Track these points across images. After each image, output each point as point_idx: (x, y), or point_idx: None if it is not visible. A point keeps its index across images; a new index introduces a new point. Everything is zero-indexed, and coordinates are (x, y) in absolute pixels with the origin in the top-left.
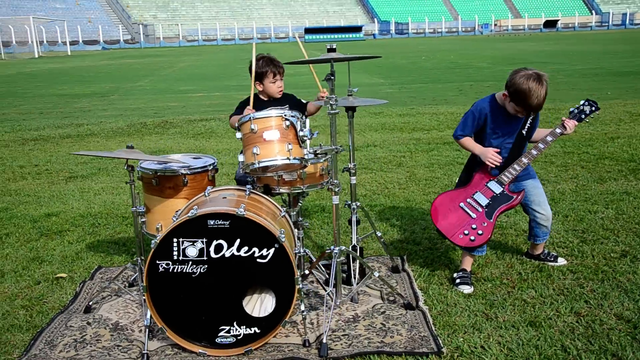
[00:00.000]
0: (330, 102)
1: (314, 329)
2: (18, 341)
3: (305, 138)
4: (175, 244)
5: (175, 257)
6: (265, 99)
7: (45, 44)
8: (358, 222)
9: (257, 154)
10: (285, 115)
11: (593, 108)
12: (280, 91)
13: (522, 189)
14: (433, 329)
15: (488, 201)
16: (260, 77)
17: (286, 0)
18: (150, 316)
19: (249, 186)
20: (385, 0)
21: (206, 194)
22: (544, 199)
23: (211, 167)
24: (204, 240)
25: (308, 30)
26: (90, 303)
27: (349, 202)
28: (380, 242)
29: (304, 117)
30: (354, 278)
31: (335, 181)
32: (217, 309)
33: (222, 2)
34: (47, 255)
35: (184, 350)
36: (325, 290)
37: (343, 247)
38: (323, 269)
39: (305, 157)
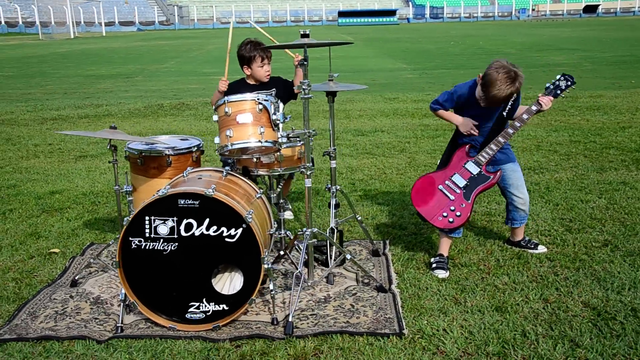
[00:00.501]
0: (304, 87)
1: (284, 308)
2: (3, 312)
3: (277, 122)
4: (147, 222)
5: (147, 235)
6: (252, 83)
7: (83, 24)
8: (337, 206)
9: (230, 137)
10: (258, 99)
11: (569, 83)
12: (268, 75)
13: (499, 169)
14: (400, 311)
15: (466, 182)
16: (248, 62)
17: None
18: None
19: (227, 167)
20: None
21: (184, 174)
22: (522, 183)
23: (195, 148)
24: (175, 218)
25: (342, 14)
26: (77, 277)
27: (329, 186)
28: (361, 226)
29: (279, 101)
30: (332, 260)
31: (308, 164)
32: (187, 286)
33: None
34: (45, 231)
35: (156, 324)
36: (297, 271)
37: (316, 230)
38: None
39: (279, 140)
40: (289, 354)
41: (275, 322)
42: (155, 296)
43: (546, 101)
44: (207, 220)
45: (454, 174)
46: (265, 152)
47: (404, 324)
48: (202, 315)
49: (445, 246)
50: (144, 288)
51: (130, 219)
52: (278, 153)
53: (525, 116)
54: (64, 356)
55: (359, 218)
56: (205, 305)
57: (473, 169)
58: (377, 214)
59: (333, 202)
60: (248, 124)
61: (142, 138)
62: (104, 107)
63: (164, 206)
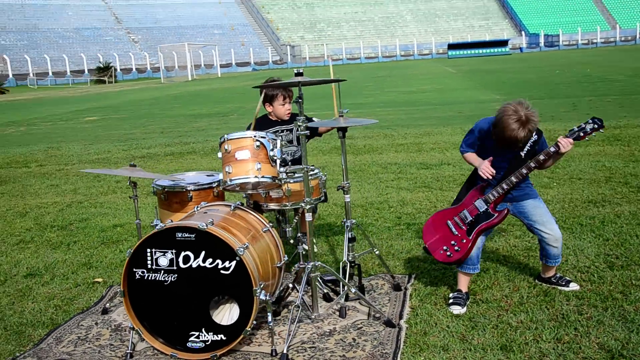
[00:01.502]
0: (299, 123)
1: (287, 340)
2: (36, 336)
3: (275, 158)
4: (149, 254)
5: (149, 266)
6: (274, 120)
7: (203, 67)
8: (353, 240)
9: (229, 172)
10: (255, 136)
11: (596, 126)
12: (288, 113)
13: (505, 208)
14: (401, 346)
15: (471, 219)
16: (270, 99)
17: (430, 17)
18: None
19: (238, 202)
20: (535, 13)
21: (196, 208)
22: (549, 219)
23: (216, 184)
24: (173, 251)
25: (451, 46)
26: (107, 305)
27: (345, 220)
28: (380, 259)
29: (275, 139)
30: (349, 293)
31: (307, 199)
32: (187, 315)
33: (366, 21)
34: (97, 262)
35: (160, 352)
36: (304, 305)
37: (318, 263)
38: (322, 283)
39: (279, 175)
40: None
41: (274, 354)
42: (159, 324)
43: (565, 143)
44: (203, 253)
45: (463, 210)
46: (265, 187)
47: (399, 359)
48: (201, 345)
49: (463, 282)
50: (148, 316)
51: (132, 251)
52: (286, 187)
53: (541, 157)
54: None
55: (377, 252)
56: (205, 335)
57: (481, 206)
58: (413, 248)
59: (347, 236)
60: (246, 160)
61: (165, 176)
62: (190, 145)
63: (163, 239)
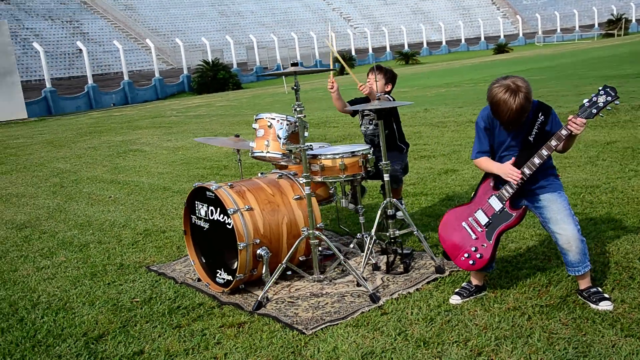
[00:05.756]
0: (296, 108)
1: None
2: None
3: (279, 136)
4: (196, 205)
5: (197, 214)
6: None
7: None
8: (393, 217)
9: (253, 147)
10: (266, 117)
11: (609, 98)
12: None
13: (523, 206)
14: (346, 317)
15: (488, 220)
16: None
17: None
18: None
19: (293, 172)
20: None
21: (260, 174)
22: (564, 216)
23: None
24: (205, 205)
25: None
26: None
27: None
28: (420, 240)
29: (290, 121)
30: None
31: (305, 174)
32: (215, 257)
33: None
34: None
35: (202, 280)
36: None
37: (316, 232)
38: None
39: (285, 152)
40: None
41: (264, 300)
42: (204, 260)
43: (577, 124)
44: (218, 209)
45: (478, 209)
46: (275, 161)
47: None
48: (222, 281)
49: (476, 275)
50: (198, 253)
51: (185, 202)
52: (319, 163)
53: (553, 142)
54: None
55: (416, 232)
56: (223, 274)
57: (496, 204)
58: None
59: (384, 213)
60: (261, 137)
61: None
62: None
63: (201, 194)
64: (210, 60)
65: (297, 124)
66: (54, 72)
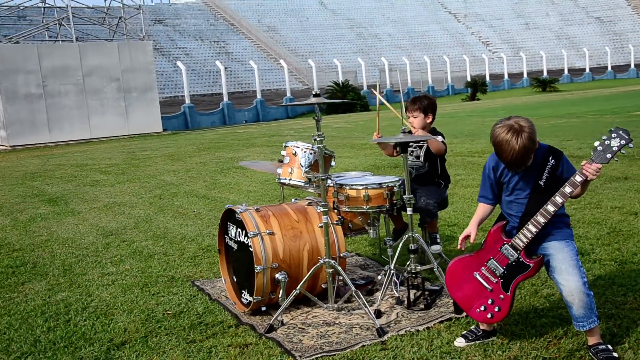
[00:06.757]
0: (315, 138)
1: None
2: None
3: (301, 165)
4: (229, 225)
5: (229, 234)
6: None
7: None
8: (415, 251)
9: (279, 173)
10: (292, 145)
11: (623, 142)
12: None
13: (541, 255)
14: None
15: (503, 270)
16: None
17: None
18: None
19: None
20: None
21: (293, 200)
22: (569, 266)
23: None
24: (235, 226)
25: None
26: None
27: (410, 233)
28: (439, 276)
29: (313, 149)
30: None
31: (323, 202)
32: (241, 277)
33: None
34: None
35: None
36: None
37: (332, 261)
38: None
39: (311, 180)
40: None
41: (278, 323)
42: (235, 280)
43: (592, 170)
44: (244, 231)
45: (490, 259)
46: (298, 188)
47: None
48: (245, 301)
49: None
50: (230, 272)
51: (219, 222)
52: (345, 193)
53: (567, 189)
54: None
55: (436, 269)
56: (247, 294)
57: (510, 254)
58: None
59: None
60: (286, 164)
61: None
62: None
63: (232, 216)
64: (340, 82)
65: (316, 153)
66: (199, 88)
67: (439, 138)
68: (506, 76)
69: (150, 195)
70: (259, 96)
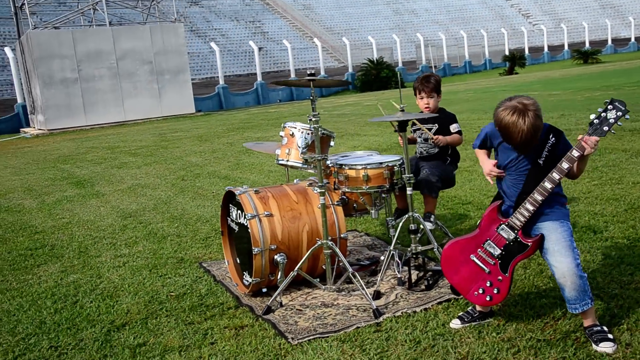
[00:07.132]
0: (311, 118)
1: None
2: None
3: (298, 146)
4: (230, 207)
5: (231, 216)
6: (420, 111)
7: None
8: (416, 232)
9: (277, 154)
10: (289, 126)
11: (619, 113)
12: (426, 108)
13: (539, 234)
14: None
15: (500, 251)
16: (414, 93)
17: None
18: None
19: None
20: None
21: (295, 181)
22: (562, 247)
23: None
24: (235, 208)
25: None
26: None
27: (410, 213)
28: (438, 254)
29: (310, 129)
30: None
31: (319, 184)
32: (243, 258)
33: None
34: None
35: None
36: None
37: (329, 242)
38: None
39: (307, 160)
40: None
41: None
42: (238, 261)
43: (590, 143)
44: (242, 212)
45: (487, 240)
46: (296, 169)
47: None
48: (246, 282)
49: None
50: (234, 254)
51: (221, 205)
52: (345, 173)
53: (565, 165)
54: None
55: (436, 249)
56: (247, 276)
57: (508, 234)
58: None
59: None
60: (284, 145)
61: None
62: None
63: (232, 198)
64: (374, 59)
65: (313, 134)
66: (236, 69)
67: (455, 126)
68: (546, 49)
69: (173, 177)
70: (292, 75)
